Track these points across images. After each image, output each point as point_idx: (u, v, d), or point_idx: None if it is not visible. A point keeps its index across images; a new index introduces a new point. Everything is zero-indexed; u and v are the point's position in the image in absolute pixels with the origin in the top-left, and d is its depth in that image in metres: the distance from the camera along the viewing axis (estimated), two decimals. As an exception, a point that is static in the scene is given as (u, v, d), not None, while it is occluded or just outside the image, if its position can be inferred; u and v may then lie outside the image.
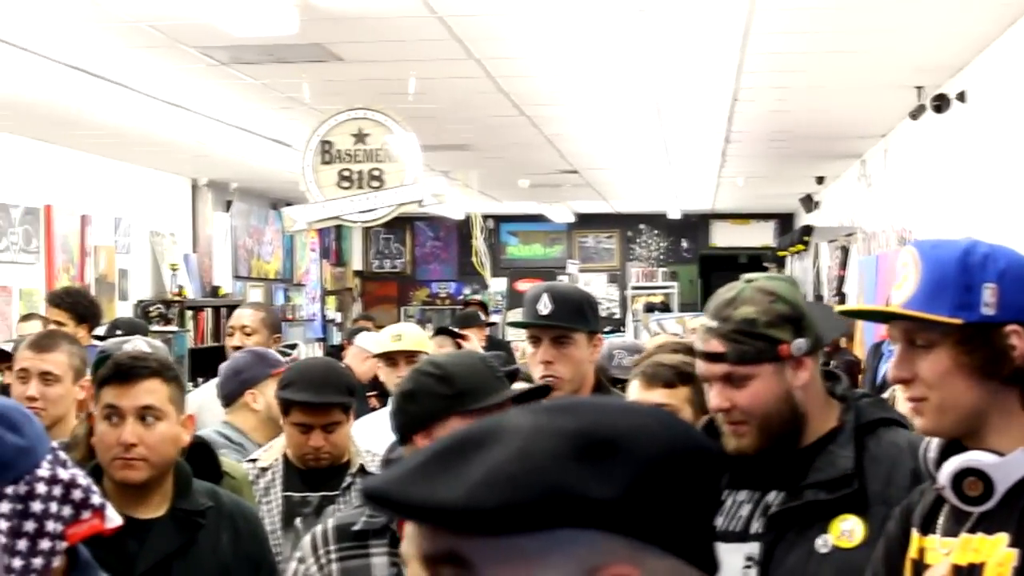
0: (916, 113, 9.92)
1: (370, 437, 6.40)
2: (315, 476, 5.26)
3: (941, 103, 9.41)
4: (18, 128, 11.73)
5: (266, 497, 5.26)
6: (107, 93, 9.74)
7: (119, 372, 4.22)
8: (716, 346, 3.32)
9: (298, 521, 5.15)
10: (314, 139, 9.54)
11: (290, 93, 9.90)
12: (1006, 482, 2.69)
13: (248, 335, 7.36)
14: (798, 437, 3.32)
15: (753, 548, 3.27)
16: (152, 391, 4.22)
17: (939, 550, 2.76)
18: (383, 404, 7.68)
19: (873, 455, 3.15)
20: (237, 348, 7.02)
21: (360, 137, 9.53)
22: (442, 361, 3.93)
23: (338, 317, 21.60)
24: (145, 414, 4.19)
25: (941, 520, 2.79)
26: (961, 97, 9.21)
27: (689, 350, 5.18)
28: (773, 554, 3.22)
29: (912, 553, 2.81)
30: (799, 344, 3.26)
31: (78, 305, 8.64)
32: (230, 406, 6.06)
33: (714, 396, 3.35)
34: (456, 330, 10.10)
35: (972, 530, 2.72)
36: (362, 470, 5.32)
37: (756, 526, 3.31)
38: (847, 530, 3.13)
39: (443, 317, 20.20)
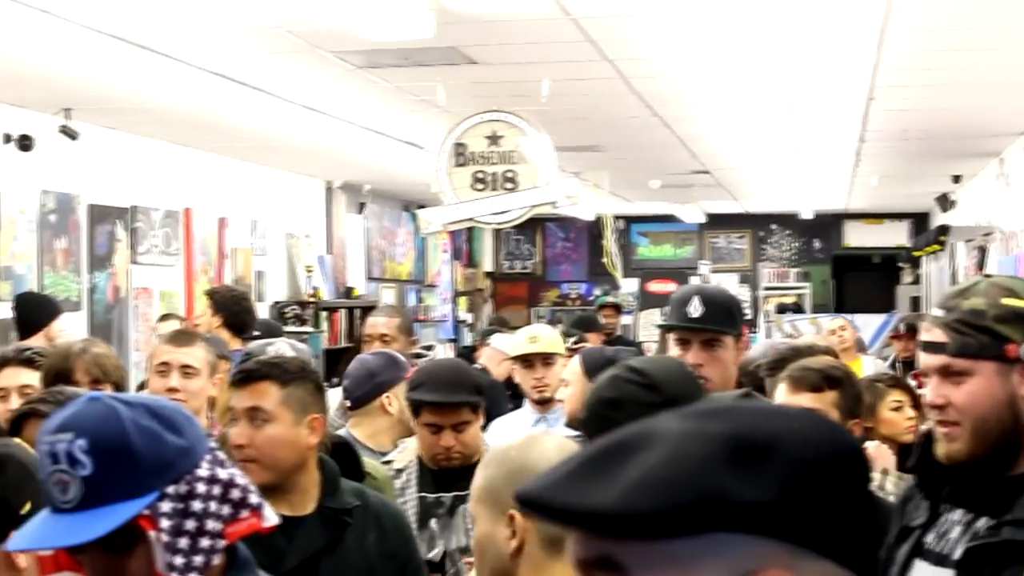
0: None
1: (505, 437, 6.44)
2: (447, 476, 5.31)
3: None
4: (159, 133, 11.88)
5: (401, 498, 5.28)
6: (245, 98, 9.85)
7: (238, 375, 4.33)
8: (938, 335, 3.17)
9: (433, 522, 5.25)
10: (448, 141, 9.56)
11: (424, 96, 9.93)
12: None
13: (387, 343, 7.37)
14: (1016, 454, 3.15)
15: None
16: (262, 394, 4.30)
17: None
18: (517, 405, 7.70)
19: None
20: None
21: (494, 139, 9.55)
22: (643, 367, 3.93)
23: (469, 318, 21.66)
24: (254, 416, 4.28)
25: None
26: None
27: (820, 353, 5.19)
28: None
29: None
30: None
31: (228, 307, 8.77)
32: (360, 408, 6.09)
33: (930, 391, 3.22)
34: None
35: None
36: None
37: (959, 552, 3.15)
38: None
39: (574, 317, 20.12)
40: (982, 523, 3.14)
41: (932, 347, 3.20)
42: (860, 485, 1.60)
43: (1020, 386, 3.11)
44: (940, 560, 3.19)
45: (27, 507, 3.36)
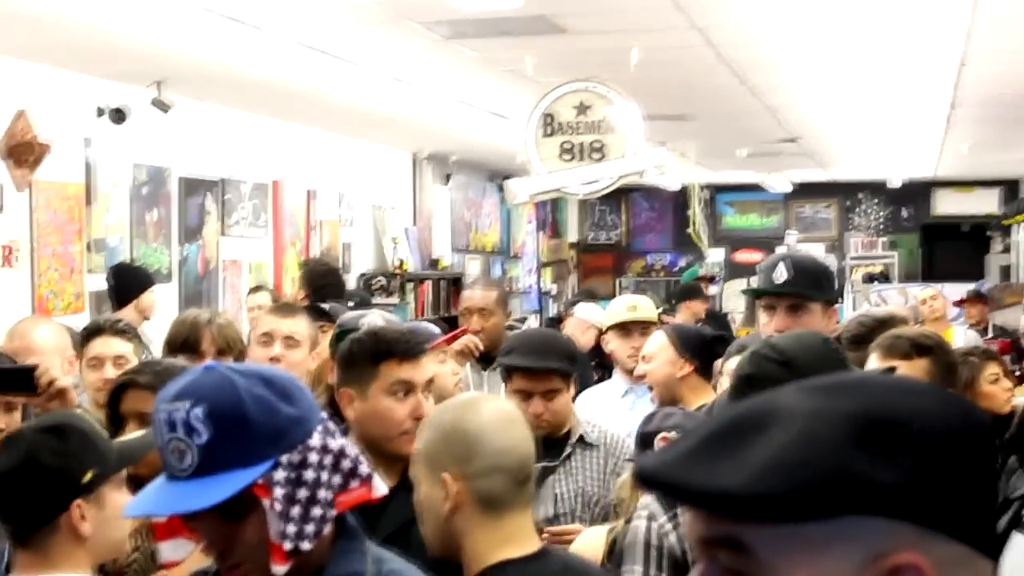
0: None
1: (593, 408, 6.46)
2: (549, 444, 5.22)
3: None
4: (249, 105, 11.95)
5: None
6: (334, 69, 9.89)
7: (407, 349, 4.34)
8: None
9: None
10: (536, 112, 9.60)
11: (512, 67, 9.93)
12: None
13: (485, 316, 7.38)
14: None
15: None
16: (430, 366, 4.38)
17: None
18: (602, 376, 7.71)
19: None
20: (476, 332, 7.03)
21: (582, 109, 9.57)
22: (783, 345, 3.94)
23: (554, 289, 21.64)
24: (428, 388, 4.32)
25: None
26: None
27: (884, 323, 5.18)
28: None
29: None
30: None
31: (315, 277, 8.85)
32: None
33: None
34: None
35: None
36: (581, 440, 5.39)
37: None
38: None
39: (658, 287, 20.12)
40: None
41: None
42: (990, 462, 1.59)
43: None
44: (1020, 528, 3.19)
45: (88, 475, 3.42)
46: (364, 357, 4.32)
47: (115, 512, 3.49)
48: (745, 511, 1.50)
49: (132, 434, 4.29)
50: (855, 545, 1.49)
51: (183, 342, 5.73)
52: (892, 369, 3.91)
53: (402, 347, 4.32)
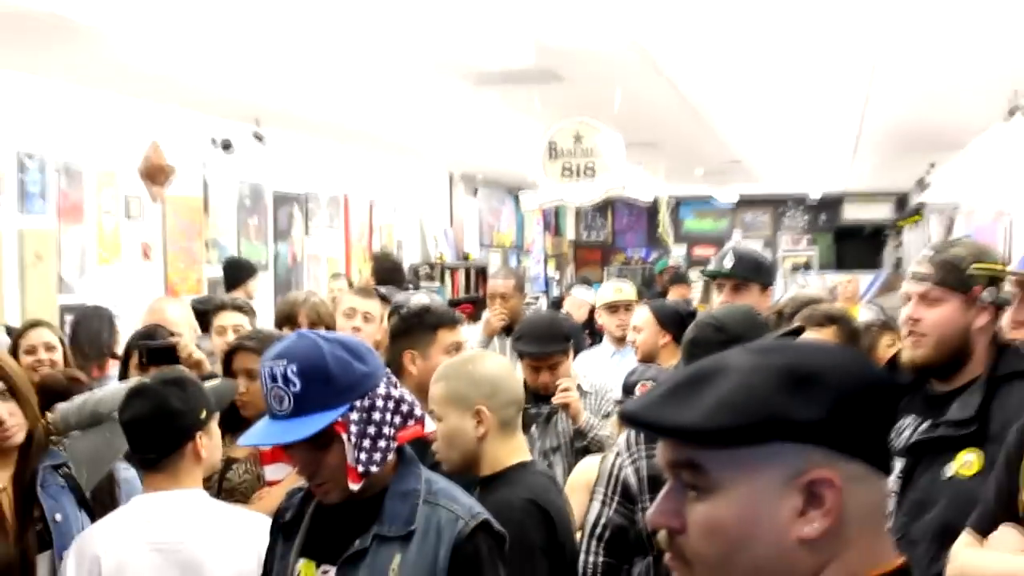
0: (1011, 112, 9.70)
1: (587, 366, 6.48)
2: (545, 396, 5.29)
3: (1029, 107, 9.22)
4: (324, 136, 11.94)
5: None
6: (390, 107, 9.92)
7: (454, 319, 4.48)
8: (926, 268, 3.25)
9: (533, 428, 5.28)
10: (543, 141, 9.62)
11: (524, 107, 9.95)
12: None
13: (506, 299, 7.36)
14: (958, 369, 3.23)
15: (902, 463, 3.21)
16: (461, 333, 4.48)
17: None
18: (595, 340, 7.71)
19: (1002, 402, 3.03)
20: (501, 317, 7.03)
21: (578, 139, 9.59)
22: (718, 315, 4.03)
23: (556, 275, 21.63)
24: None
25: None
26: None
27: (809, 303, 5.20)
28: (912, 473, 3.16)
29: None
30: (989, 293, 3.18)
31: (383, 268, 8.88)
32: None
33: (909, 309, 3.28)
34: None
35: None
36: (578, 388, 5.40)
37: (909, 445, 3.23)
38: (967, 461, 3.04)
39: (636, 275, 20.12)
40: (925, 425, 3.21)
41: (920, 276, 3.27)
42: (887, 405, 1.62)
43: (975, 318, 3.20)
44: (898, 453, 3.22)
45: (203, 414, 3.49)
46: (424, 326, 4.36)
47: (217, 440, 3.56)
48: (700, 440, 1.55)
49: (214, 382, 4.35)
50: (782, 464, 1.53)
51: (286, 316, 5.83)
52: (799, 332, 3.93)
53: (450, 318, 4.38)
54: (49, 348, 5.49)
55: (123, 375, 5.02)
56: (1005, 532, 2.71)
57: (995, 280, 3.18)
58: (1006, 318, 2.91)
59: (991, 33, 7.46)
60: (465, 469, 3.52)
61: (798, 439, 1.52)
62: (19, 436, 3.66)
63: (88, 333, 6.65)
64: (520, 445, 3.65)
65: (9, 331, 6.31)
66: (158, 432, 3.37)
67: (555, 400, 5.22)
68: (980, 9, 6.74)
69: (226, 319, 5.92)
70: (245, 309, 6.10)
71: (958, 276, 3.20)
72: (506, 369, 3.71)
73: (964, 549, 2.77)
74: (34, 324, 5.80)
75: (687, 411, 1.54)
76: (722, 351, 1.60)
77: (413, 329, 4.38)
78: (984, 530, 2.77)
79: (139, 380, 3.52)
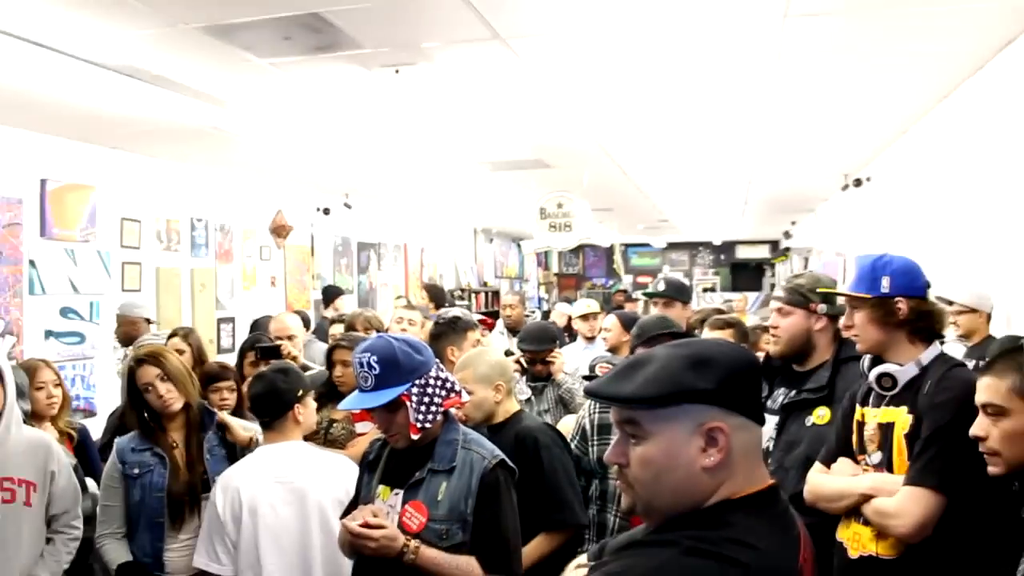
0: (844, 187, 9.72)
1: (566, 356, 6.43)
2: (541, 377, 5.25)
3: (857, 182, 9.21)
4: (390, 202, 11.98)
5: (519, 384, 5.25)
6: (436, 185, 9.93)
7: (475, 324, 4.44)
8: (781, 292, 3.28)
9: (532, 396, 5.23)
10: (536, 207, 9.60)
11: (524, 184, 9.88)
12: (904, 379, 2.66)
13: (513, 308, 7.36)
14: (806, 358, 3.21)
15: (777, 419, 3.21)
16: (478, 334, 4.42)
17: (870, 415, 2.72)
18: (571, 339, 7.68)
19: (843, 376, 3.04)
20: (510, 320, 6.99)
21: (559, 205, 9.54)
22: (641, 321, 4.18)
23: (546, 296, 21.55)
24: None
25: (871, 399, 2.74)
26: (868, 179, 9.01)
27: (715, 315, 5.21)
28: (785, 423, 3.15)
29: (856, 417, 2.76)
30: (823, 307, 3.17)
31: (436, 292, 8.90)
32: None
33: (772, 319, 3.30)
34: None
35: (887, 404, 2.68)
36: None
37: (779, 405, 3.23)
38: (821, 414, 3.02)
39: (598, 296, 20.01)
40: (792, 392, 3.19)
41: (778, 298, 3.29)
42: (756, 376, 1.63)
43: (814, 324, 3.19)
44: (772, 412, 3.22)
45: (300, 392, 3.43)
46: (458, 329, 4.37)
47: (311, 409, 3.52)
48: (635, 404, 1.56)
49: (314, 371, 4.34)
50: (690, 419, 1.55)
51: (350, 325, 5.82)
52: (682, 334, 4.01)
53: (473, 323, 4.39)
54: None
55: (239, 369, 4.98)
56: (842, 462, 2.73)
57: (828, 298, 3.17)
58: (842, 322, 2.90)
59: (831, 136, 7.51)
60: (484, 423, 3.56)
61: (700, 401, 1.55)
62: (176, 405, 3.60)
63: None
64: (514, 402, 3.70)
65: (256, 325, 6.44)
66: (270, 404, 3.35)
67: (548, 359, 5.18)
68: (824, 120, 6.77)
69: (334, 329, 5.90)
70: (343, 321, 6.06)
71: (800, 297, 3.21)
72: (507, 360, 3.77)
73: (815, 474, 2.79)
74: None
75: (627, 386, 1.57)
76: (635, 343, 1.62)
77: (451, 331, 4.40)
78: (828, 462, 2.79)
79: (266, 368, 3.49)
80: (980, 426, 2.14)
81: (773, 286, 19.76)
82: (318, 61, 4.84)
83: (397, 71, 4.88)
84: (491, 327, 5.55)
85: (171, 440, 3.60)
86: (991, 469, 2.15)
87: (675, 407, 1.55)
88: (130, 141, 6.93)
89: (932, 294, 2.82)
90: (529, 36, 4.56)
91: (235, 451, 3.66)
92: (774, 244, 21.23)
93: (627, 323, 5.93)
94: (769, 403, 3.27)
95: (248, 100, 5.66)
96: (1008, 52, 4.88)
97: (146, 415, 3.63)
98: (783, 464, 3.03)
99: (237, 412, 4.35)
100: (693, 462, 1.55)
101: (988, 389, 2.13)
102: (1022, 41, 4.68)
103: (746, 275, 21.84)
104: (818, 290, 3.20)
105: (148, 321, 6.38)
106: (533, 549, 3.33)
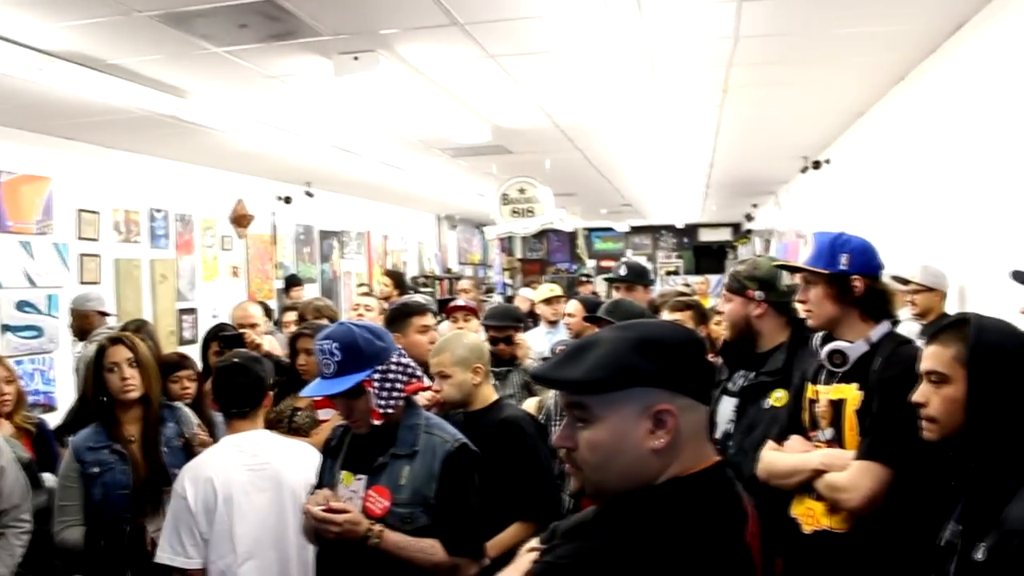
0: (803, 170, 9.83)
1: (530, 340, 6.44)
2: (504, 361, 5.26)
3: (816, 165, 9.32)
4: (353, 192, 11.93)
5: None
6: (393, 173, 9.89)
7: (422, 308, 4.33)
8: (727, 280, 3.32)
9: (496, 381, 5.24)
10: (498, 193, 9.55)
11: (486, 170, 9.90)
12: (854, 355, 2.69)
13: (468, 293, 7.35)
14: (753, 342, 3.23)
15: (736, 402, 3.24)
16: (432, 318, 4.34)
17: (822, 392, 2.74)
18: (534, 324, 7.69)
19: (799, 359, 3.05)
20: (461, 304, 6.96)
21: (522, 191, 9.51)
22: (608, 305, 4.26)
23: (510, 281, 21.52)
24: (434, 329, 4.31)
25: (822, 377, 2.77)
26: (827, 161, 9.12)
27: (680, 296, 5.26)
28: (744, 406, 3.17)
29: (808, 394, 2.79)
30: (759, 294, 3.19)
31: (398, 279, 8.90)
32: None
33: (720, 307, 3.35)
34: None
35: (838, 381, 2.71)
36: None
37: (738, 387, 3.27)
38: (779, 396, 3.04)
39: (563, 281, 19.97)
40: (751, 375, 3.22)
41: (724, 285, 3.35)
42: (703, 356, 1.63)
43: (753, 310, 3.22)
44: (732, 394, 3.26)
45: (270, 379, 3.44)
46: (403, 315, 4.33)
47: (270, 400, 3.50)
48: (582, 388, 1.56)
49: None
50: (637, 401, 1.55)
51: (300, 315, 5.79)
52: (643, 314, 4.08)
53: (418, 308, 4.33)
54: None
55: (204, 358, 4.93)
56: (793, 439, 2.77)
57: (767, 284, 3.20)
58: (797, 296, 2.91)
59: (791, 119, 7.59)
60: (462, 405, 3.56)
61: (647, 384, 1.55)
62: (134, 393, 3.53)
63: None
64: (492, 388, 3.69)
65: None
66: (251, 392, 3.33)
67: (514, 341, 5.16)
68: (784, 103, 6.84)
69: (289, 316, 5.84)
70: (298, 309, 6.02)
71: (737, 284, 3.24)
72: (484, 343, 3.77)
73: (768, 452, 2.82)
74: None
75: (573, 370, 1.56)
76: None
77: (398, 318, 4.38)
78: (780, 439, 2.83)
79: (233, 358, 3.40)
80: (921, 393, 2.19)
81: (736, 270, 19.90)
82: (275, 49, 4.83)
83: (356, 58, 4.88)
84: (475, 313, 5.54)
85: (127, 434, 3.54)
86: (926, 435, 2.19)
87: (623, 391, 1.54)
88: (87, 131, 6.87)
89: (889, 273, 2.86)
90: (488, 22, 4.58)
91: (192, 444, 3.64)
92: (736, 227, 21.41)
93: (590, 308, 5.95)
94: (730, 385, 3.30)
95: (206, 89, 5.64)
96: (959, 35, 4.97)
97: (104, 399, 3.56)
98: (743, 446, 3.06)
99: (197, 402, 4.34)
100: (641, 444, 1.54)
101: (932, 357, 2.17)
102: (972, 24, 4.77)
103: (709, 258, 22.00)
104: (774, 264, 3.23)
105: (103, 314, 6.30)
106: (507, 537, 3.33)
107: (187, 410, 3.80)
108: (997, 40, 4.43)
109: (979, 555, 1.92)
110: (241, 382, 3.31)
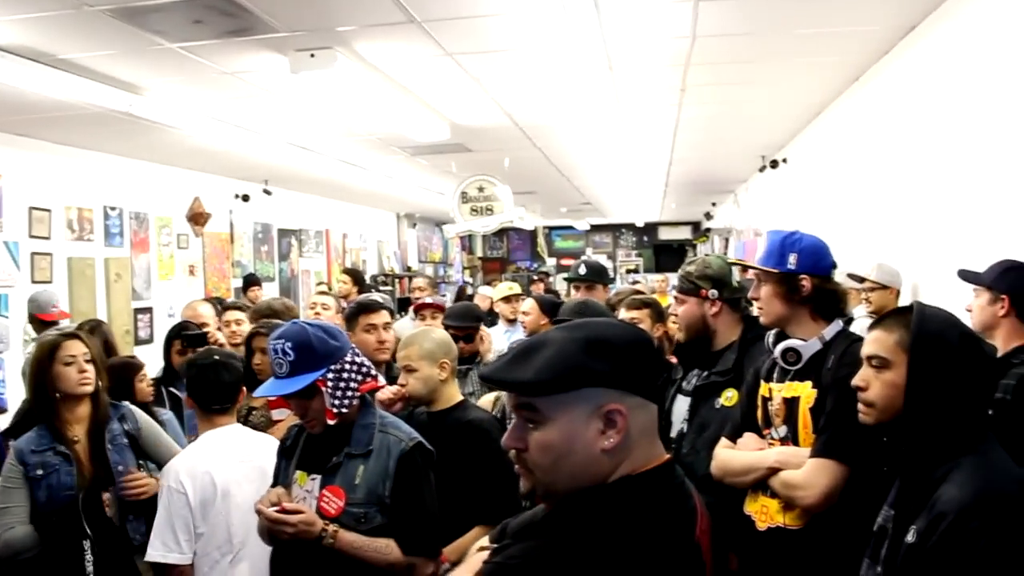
0: (761, 169, 9.91)
1: (491, 337, 6.43)
2: (466, 359, 5.24)
3: (774, 164, 9.41)
4: (314, 190, 11.85)
5: None
6: (353, 171, 9.85)
7: (370, 306, 4.30)
8: (678, 281, 3.31)
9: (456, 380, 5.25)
10: (457, 191, 9.53)
11: (445, 168, 9.91)
12: (807, 353, 2.71)
13: (423, 291, 7.31)
14: (710, 342, 3.23)
15: (690, 400, 3.23)
16: (385, 316, 4.29)
17: (775, 390, 2.76)
18: (494, 321, 7.69)
19: (750, 357, 3.07)
20: (417, 299, 6.90)
21: (481, 189, 9.50)
22: (569, 304, 4.21)
23: (471, 279, 21.53)
24: (386, 328, 4.25)
25: (775, 374, 2.78)
26: (784, 161, 9.20)
27: (636, 294, 5.25)
28: (697, 406, 3.17)
29: (762, 392, 2.80)
30: (713, 292, 3.20)
31: (357, 277, 8.85)
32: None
33: (673, 308, 3.34)
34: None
35: (792, 379, 2.73)
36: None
37: (692, 387, 3.26)
38: (729, 396, 3.06)
39: (523, 279, 20.03)
40: (704, 375, 3.22)
41: (676, 287, 3.35)
42: (654, 356, 1.62)
43: (708, 309, 3.22)
44: (685, 393, 3.26)
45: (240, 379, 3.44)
46: (354, 314, 4.32)
47: (243, 395, 3.51)
48: (531, 390, 1.55)
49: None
50: (587, 402, 1.54)
51: (264, 313, 5.70)
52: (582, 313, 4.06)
53: (366, 307, 4.30)
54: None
55: (167, 356, 4.88)
56: (747, 437, 2.79)
57: (719, 282, 3.21)
58: (750, 293, 2.92)
59: (749, 118, 7.65)
60: (427, 403, 3.53)
61: (597, 384, 1.53)
62: (89, 388, 3.51)
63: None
64: (458, 388, 3.65)
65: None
66: (233, 388, 3.35)
67: (475, 339, 5.13)
68: (742, 102, 6.90)
69: (232, 315, 5.74)
70: (244, 308, 5.94)
71: (690, 284, 3.24)
72: (451, 339, 3.70)
73: (722, 450, 2.85)
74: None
75: (522, 371, 1.54)
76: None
77: (350, 316, 4.36)
78: (734, 437, 2.85)
79: (213, 355, 3.41)
80: (862, 376, 2.21)
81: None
82: (231, 46, 4.78)
83: (312, 55, 4.84)
84: (442, 310, 5.50)
85: (72, 435, 3.50)
86: (862, 418, 2.20)
87: (573, 392, 1.53)
88: (37, 128, 6.76)
89: (844, 271, 2.89)
90: (446, 20, 4.56)
91: (138, 441, 3.61)
92: (696, 225, 21.56)
93: (548, 308, 5.95)
94: (684, 384, 3.31)
95: (161, 85, 5.57)
96: (912, 36, 5.03)
97: (56, 396, 3.51)
98: (695, 446, 3.07)
99: (151, 404, 4.29)
100: (592, 445, 1.53)
101: (875, 342, 2.19)
102: (924, 26, 4.83)
103: (668, 256, 22.13)
104: (729, 261, 3.24)
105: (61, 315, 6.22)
106: (468, 541, 3.25)
107: (133, 407, 3.76)
108: (948, 42, 4.49)
109: (910, 537, 1.95)
110: (225, 379, 3.34)
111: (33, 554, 3.32)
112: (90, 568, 3.35)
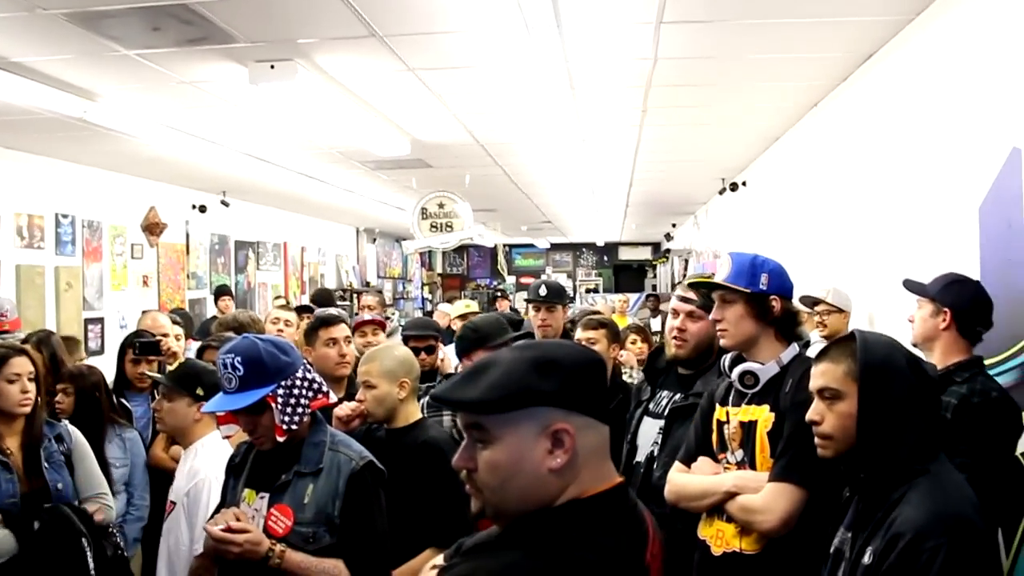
0: (721, 191, 9.97)
1: (448, 355, 6.38)
2: (426, 376, 5.19)
3: (733, 187, 9.47)
4: (271, 203, 11.77)
5: None
6: (313, 185, 9.77)
7: (330, 320, 4.22)
8: (692, 295, 3.22)
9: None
10: (417, 207, 9.54)
11: (405, 184, 9.89)
12: (765, 377, 2.70)
13: (372, 309, 7.25)
14: (709, 357, 3.20)
15: (661, 423, 3.20)
16: (344, 330, 4.21)
17: (732, 414, 2.74)
18: (452, 341, 7.65)
19: (706, 379, 3.03)
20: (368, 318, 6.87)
21: (441, 205, 9.52)
22: (477, 321, 4.00)
23: (430, 296, 21.50)
24: (347, 341, 4.18)
25: (731, 398, 2.77)
26: (744, 183, 9.27)
27: (592, 316, 5.21)
28: (670, 428, 3.14)
29: (718, 416, 2.78)
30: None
31: (321, 297, 8.77)
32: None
33: (678, 322, 3.23)
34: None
35: (749, 403, 2.72)
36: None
37: (666, 411, 3.23)
38: None
39: (482, 297, 20.08)
40: (679, 396, 3.19)
41: (687, 300, 3.24)
42: (602, 377, 1.62)
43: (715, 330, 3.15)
44: (655, 415, 3.22)
45: (201, 391, 3.42)
46: (313, 328, 4.25)
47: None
48: (479, 409, 1.55)
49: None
50: (535, 421, 1.54)
51: (231, 326, 5.62)
52: (528, 335, 3.96)
53: (324, 321, 4.24)
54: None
55: (120, 364, 4.80)
56: (702, 461, 2.77)
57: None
58: (711, 315, 2.87)
59: (709, 141, 7.69)
60: (384, 421, 3.45)
61: (545, 404, 1.53)
62: (27, 409, 3.49)
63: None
64: (417, 407, 3.55)
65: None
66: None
67: (435, 350, 5.05)
68: (702, 125, 6.93)
69: (279, 313, 5.75)
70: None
71: (709, 300, 3.13)
72: (413, 356, 3.61)
73: (676, 474, 2.81)
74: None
75: (471, 391, 1.54)
76: (476, 345, 1.50)
77: (308, 331, 4.29)
78: (688, 461, 2.82)
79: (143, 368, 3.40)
80: (815, 411, 2.20)
81: (654, 287, 20.16)
82: (189, 54, 4.71)
83: (272, 66, 4.78)
84: (382, 326, 5.44)
85: (5, 447, 3.44)
86: (821, 452, 2.20)
87: (521, 411, 1.53)
88: (-11, 132, 6.62)
89: (798, 294, 2.88)
90: (407, 35, 4.53)
91: (71, 459, 3.54)
92: (656, 246, 21.69)
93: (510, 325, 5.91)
94: (652, 406, 3.26)
95: (116, 92, 5.47)
96: (868, 64, 5.08)
97: None
98: (668, 469, 3.02)
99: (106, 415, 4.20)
100: (540, 464, 1.54)
101: (824, 374, 2.19)
102: (881, 54, 4.88)
103: (628, 276, 22.26)
104: (695, 281, 3.16)
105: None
106: (419, 563, 3.18)
107: (72, 428, 3.69)
108: (904, 70, 4.53)
109: (867, 559, 1.96)
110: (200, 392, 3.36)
111: (10, 556, 3.25)
112: (91, 565, 3.34)
